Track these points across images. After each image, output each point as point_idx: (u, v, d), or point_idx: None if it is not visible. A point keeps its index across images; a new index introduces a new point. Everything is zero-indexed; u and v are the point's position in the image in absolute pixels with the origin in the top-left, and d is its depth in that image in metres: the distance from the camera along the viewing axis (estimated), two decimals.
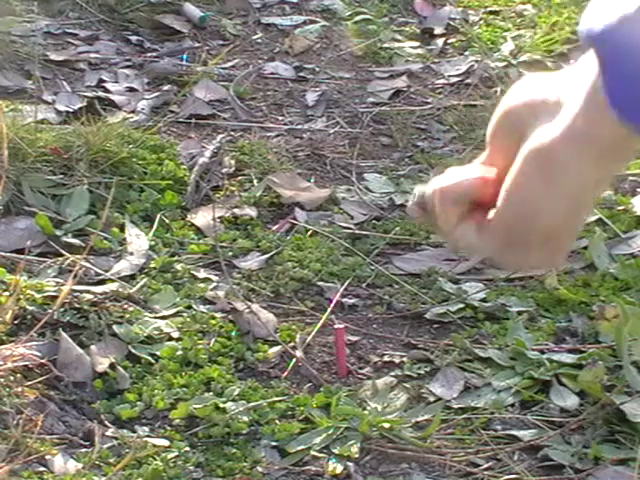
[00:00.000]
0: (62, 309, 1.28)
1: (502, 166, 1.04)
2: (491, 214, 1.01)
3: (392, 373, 1.23)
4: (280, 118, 1.89)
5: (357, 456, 1.14)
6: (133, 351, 1.27)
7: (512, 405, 1.21)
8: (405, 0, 2.35)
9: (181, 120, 1.84)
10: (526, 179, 0.99)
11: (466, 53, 2.14)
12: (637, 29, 0.83)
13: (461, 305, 1.39)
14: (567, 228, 1.04)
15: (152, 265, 1.44)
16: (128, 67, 2.01)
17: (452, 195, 1.06)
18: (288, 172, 1.68)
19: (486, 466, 1.13)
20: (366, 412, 1.18)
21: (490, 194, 1.02)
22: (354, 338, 1.31)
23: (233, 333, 1.32)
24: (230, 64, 2.06)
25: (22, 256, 1.35)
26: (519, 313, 1.37)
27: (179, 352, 1.27)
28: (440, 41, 2.20)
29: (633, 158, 1.15)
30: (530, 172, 0.98)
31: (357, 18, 2.26)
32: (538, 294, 1.40)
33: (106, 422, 1.17)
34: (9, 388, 1.15)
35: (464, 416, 1.18)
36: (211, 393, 1.21)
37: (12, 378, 1.16)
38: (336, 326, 1.27)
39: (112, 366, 1.24)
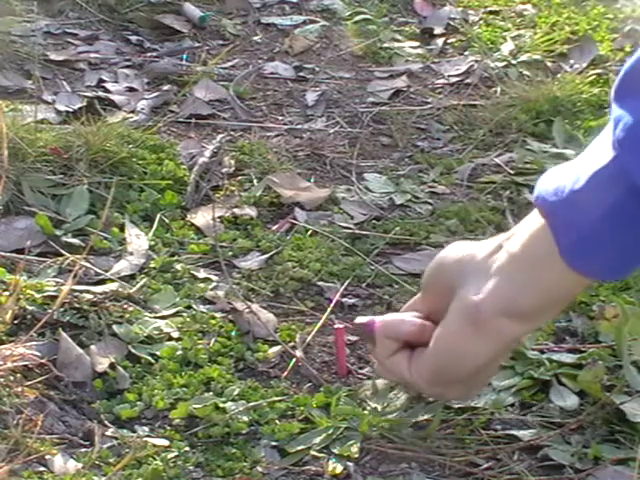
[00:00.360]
0: (62, 309, 1.28)
1: (434, 310, 1.14)
2: (422, 355, 1.12)
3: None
4: (280, 118, 1.89)
5: (357, 456, 1.14)
6: (133, 351, 1.27)
7: (512, 405, 1.21)
8: (405, 0, 2.35)
9: (181, 120, 1.84)
10: (454, 333, 1.09)
11: (466, 53, 2.14)
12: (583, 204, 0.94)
13: None
14: (487, 371, 1.15)
15: (152, 265, 1.44)
16: (128, 67, 2.01)
17: (391, 333, 1.16)
18: (288, 172, 1.68)
19: (486, 466, 1.13)
20: (366, 412, 1.18)
21: (426, 338, 1.12)
22: (354, 338, 1.31)
23: (233, 333, 1.32)
24: (230, 64, 2.06)
25: (22, 256, 1.35)
26: None
27: (179, 352, 1.27)
28: (440, 41, 2.20)
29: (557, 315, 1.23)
30: (458, 327, 1.08)
31: (357, 18, 2.26)
32: None
33: (106, 422, 1.17)
34: (9, 388, 1.15)
35: (464, 416, 1.18)
36: (211, 393, 1.21)
37: (12, 378, 1.16)
38: (336, 326, 1.27)
39: (112, 366, 1.24)
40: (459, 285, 1.05)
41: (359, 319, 1.22)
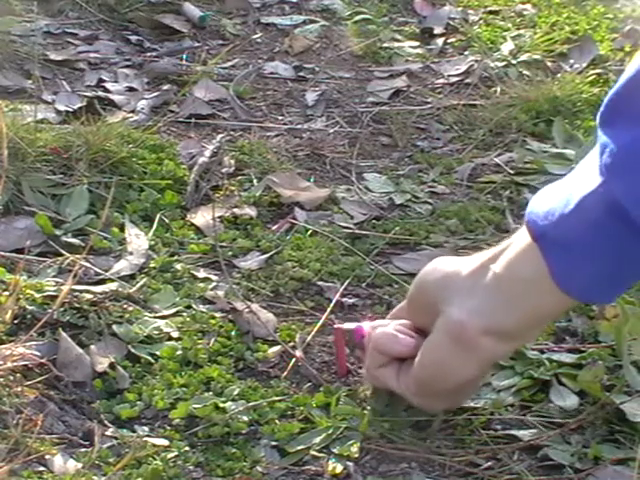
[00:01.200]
0: (62, 309, 1.28)
1: (420, 324, 1.16)
2: (410, 368, 1.13)
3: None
4: (280, 118, 1.89)
5: (357, 456, 1.14)
6: (133, 351, 1.27)
7: (512, 405, 1.21)
8: (405, 0, 2.35)
9: (181, 120, 1.84)
10: (439, 350, 1.11)
11: (466, 53, 2.14)
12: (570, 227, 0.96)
13: None
14: (473, 385, 1.17)
15: (152, 265, 1.44)
16: (128, 67, 2.01)
17: (383, 349, 1.18)
18: (288, 172, 1.68)
19: (486, 466, 1.13)
20: (366, 412, 1.18)
21: (416, 353, 1.14)
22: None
23: (233, 333, 1.32)
24: (230, 64, 2.06)
25: (22, 256, 1.35)
26: None
27: (179, 352, 1.27)
28: (440, 41, 2.20)
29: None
30: (443, 345, 1.10)
31: (357, 18, 2.26)
32: None
33: (106, 422, 1.17)
34: (9, 388, 1.15)
35: (464, 416, 1.18)
36: (211, 393, 1.21)
37: (12, 378, 1.16)
38: (336, 326, 1.26)
39: (112, 366, 1.24)
40: (443, 302, 1.07)
41: (346, 325, 1.23)
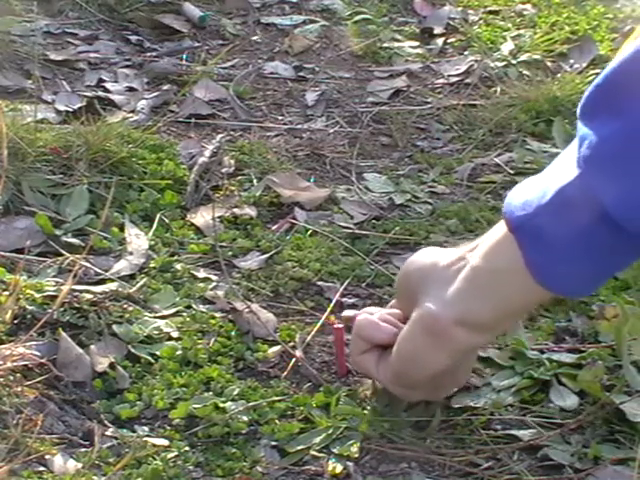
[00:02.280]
0: (62, 309, 1.28)
1: (407, 313, 1.16)
2: (388, 357, 1.14)
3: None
4: (280, 118, 1.89)
5: (357, 456, 1.14)
6: (133, 351, 1.27)
7: (512, 405, 1.21)
8: (405, 0, 2.35)
9: (181, 120, 1.84)
10: (412, 340, 1.12)
11: (466, 53, 2.14)
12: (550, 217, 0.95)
13: None
14: (452, 376, 1.17)
15: (152, 265, 1.44)
16: (128, 67, 2.01)
17: (364, 335, 1.19)
18: (288, 172, 1.68)
19: (486, 466, 1.13)
20: (366, 412, 1.18)
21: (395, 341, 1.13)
22: None
23: (233, 333, 1.32)
24: (230, 64, 2.06)
25: (22, 256, 1.35)
26: None
27: (179, 352, 1.27)
28: (440, 41, 2.20)
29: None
30: (416, 335, 1.10)
31: (357, 18, 2.26)
32: None
33: (106, 422, 1.17)
34: (9, 388, 1.15)
35: (464, 416, 1.18)
36: (211, 393, 1.21)
37: (12, 378, 1.16)
38: (336, 326, 1.26)
39: (112, 366, 1.24)
40: (420, 292, 1.07)
41: (346, 312, 1.25)
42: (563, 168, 0.95)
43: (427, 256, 1.11)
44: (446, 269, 1.07)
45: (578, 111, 0.93)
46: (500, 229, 1.02)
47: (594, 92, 0.92)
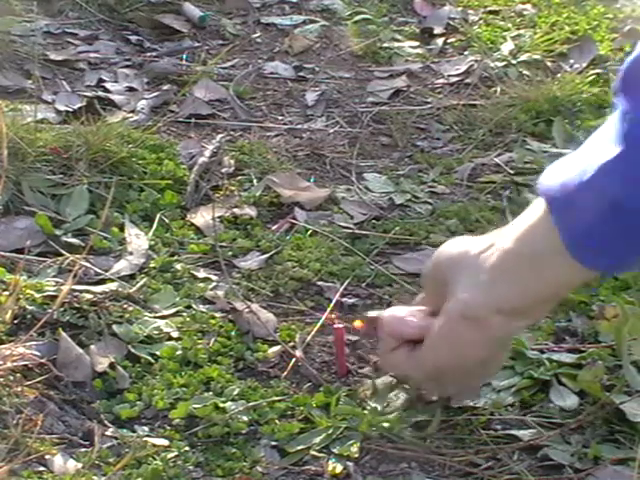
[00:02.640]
0: (62, 309, 1.28)
1: (435, 306, 1.14)
2: (421, 350, 1.12)
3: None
4: (280, 118, 1.89)
5: (357, 456, 1.14)
6: (133, 351, 1.27)
7: (512, 405, 1.21)
8: (405, 0, 2.35)
9: (181, 120, 1.84)
10: (448, 329, 1.09)
11: (466, 53, 2.14)
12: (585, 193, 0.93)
13: None
14: (486, 368, 1.15)
15: (152, 265, 1.44)
16: (128, 67, 2.01)
17: (392, 332, 1.17)
18: (288, 172, 1.68)
19: (486, 466, 1.13)
20: (366, 412, 1.18)
21: (424, 334, 1.12)
22: (354, 338, 1.31)
23: (233, 333, 1.32)
24: (230, 64, 2.06)
25: (22, 256, 1.35)
26: None
27: (179, 352, 1.27)
28: (440, 41, 2.20)
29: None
30: (452, 324, 1.08)
31: (357, 18, 2.26)
32: None
33: (106, 422, 1.17)
34: (9, 388, 1.15)
35: (464, 416, 1.18)
36: (211, 393, 1.21)
37: (12, 378, 1.16)
38: (336, 326, 1.26)
39: (112, 366, 1.24)
40: (453, 282, 1.06)
41: (371, 313, 1.23)
42: (602, 146, 0.93)
43: (456, 245, 1.09)
44: (478, 256, 1.05)
45: (615, 87, 0.92)
46: (533, 212, 1.00)
47: (632, 67, 0.90)
